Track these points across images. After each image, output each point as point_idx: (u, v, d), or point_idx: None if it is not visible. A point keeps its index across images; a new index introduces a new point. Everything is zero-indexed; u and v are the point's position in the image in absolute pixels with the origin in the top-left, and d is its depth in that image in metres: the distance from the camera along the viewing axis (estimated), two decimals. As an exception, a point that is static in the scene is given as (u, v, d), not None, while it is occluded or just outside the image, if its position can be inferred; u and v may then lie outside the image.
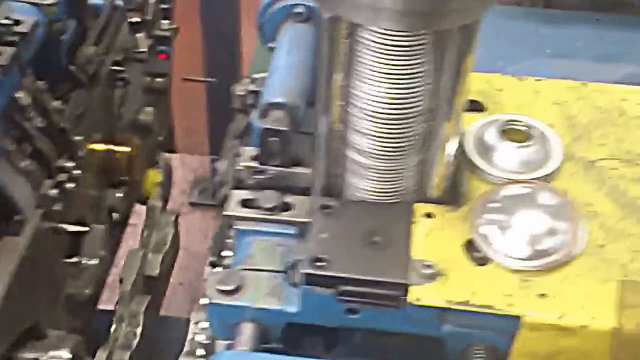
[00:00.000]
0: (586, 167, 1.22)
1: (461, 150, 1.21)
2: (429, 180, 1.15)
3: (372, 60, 1.02)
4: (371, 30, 0.99)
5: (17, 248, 1.56)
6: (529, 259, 1.09)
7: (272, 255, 1.17)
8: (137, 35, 1.81)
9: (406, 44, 1.00)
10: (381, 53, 1.01)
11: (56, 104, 1.66)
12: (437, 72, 1.03)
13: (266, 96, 1.24)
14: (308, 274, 1.07)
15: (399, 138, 1.09)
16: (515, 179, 1.18)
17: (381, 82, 1.03)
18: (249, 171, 1.22)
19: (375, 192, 1.15)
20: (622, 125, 1.28)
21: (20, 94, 1.58)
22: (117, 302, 1.72)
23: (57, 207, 1.65)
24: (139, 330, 1.73)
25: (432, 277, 1.07)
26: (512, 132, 1.23)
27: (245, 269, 1.15)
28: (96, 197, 1.81)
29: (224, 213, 1.20)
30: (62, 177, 1.66)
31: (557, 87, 1.35)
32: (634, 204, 1.17)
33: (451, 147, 1.13)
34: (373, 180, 1.14)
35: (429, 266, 1.08)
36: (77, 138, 1.67)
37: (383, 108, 1.06)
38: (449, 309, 1.05)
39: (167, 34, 1.96)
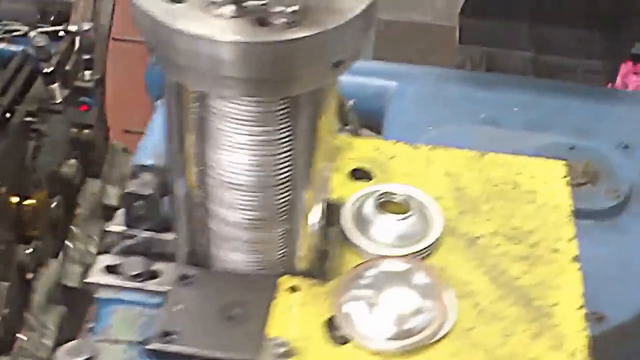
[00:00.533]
0: (468, 243, 1.17)
1: (336, 220, 1.16)
2: (295, 251, 1.10)
3: (223, 128, 0.97)
4: (219, 98, 0.95)
5: None
6: (392, 339, 1.03)
7: (132, 326, 1.11)
8: (52, 86, 1.77)
9: (255, 111, 0.95)
10: (231, 120, 0.96)
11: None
12: (290, 140, 0.98)
13: (136, 158, 1.19)
14: (152, 350, 1.01)
15: (257, 209, 1.03)
16: (389, 253, 1.13)
17: (233, 150, 0.99)
18: (117, 236, 1.17)
19: (238, 263, 1.09)
20: (512, 200, 1.23)
21: None
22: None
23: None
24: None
25: (285, 356, 1.01)
26: (391, 204, 1.18)
27: (101, 340, 1.09)
28: (3, 251, 1.75)
29: (85, 280, 1.15)
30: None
31: (451, 156, 1.31)
32: (512, 284, 1.11)
33: (314, 217, 1.08)
34: (235, 250, 1.09)
35: (282, 344, 1.02)
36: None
37: (238, 177, 1.01)
38: (300, 391, 0.99)
39: (89, 85, 1.93)
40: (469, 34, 2.31)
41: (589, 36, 2.22)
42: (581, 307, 1.09)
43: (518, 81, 2.14)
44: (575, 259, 1.14)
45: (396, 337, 1.03)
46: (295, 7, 0.84)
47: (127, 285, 1.13)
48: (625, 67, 3.66)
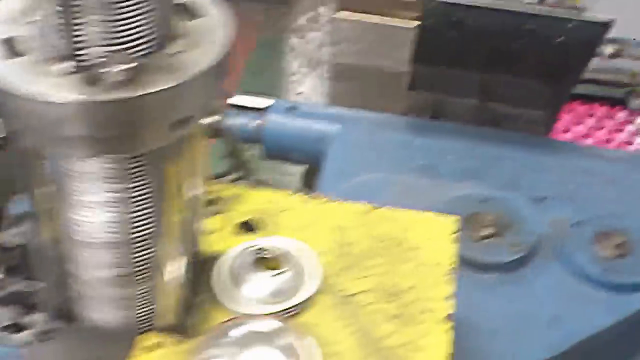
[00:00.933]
0: (342, 301, 1.15)
1: (208, 275, 1.15)
2: (159, 307, 1.09)
3: (72, 187, 0.97)
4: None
5: None
6: (248, 400, 1.02)
7: (-2, 377, 1.11)
8: None
9: (103, 169, 0.95)
10: (80, 179, 0.96)
11: None
12: (143, 196, 0.98)
13: (11, 207, 1.19)
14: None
15: (114, 266, 1.03)
16: (260, 310, 1.12)
17: (85, 208, 0.98)
18: (-9, 285, 1.17)
19: (101, 318, 1.09)
20: (394, 256, 1.22)
21: None
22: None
23: None
24: None
25: (135, 415, 1.00)
26: (268, 259, 1.17)
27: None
28: None
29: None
30: None
31: (343, 210, 1.30)
32: (378, 344, 1.10)
33: (178, 272, 1.08)
34: (98, 306, 1.08)
35: (133, 403, 1.01)
36: None
37: (91, 235, 1.00)
38: None
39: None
40: (418, 80, 2.31)
41: (534, 86, 2.21)
42: (446, 369, 1.08)
43: (457, 129, 2.13)
44: (448, 318, 1.13)
45: (252, 397, 1.02)
46: (131, 65, 0.84)
47: (-6, 337, 1.12)
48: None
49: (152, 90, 0.86)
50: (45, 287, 1.12)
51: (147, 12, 0.84)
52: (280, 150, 2.18)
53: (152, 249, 1.03)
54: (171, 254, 1.05)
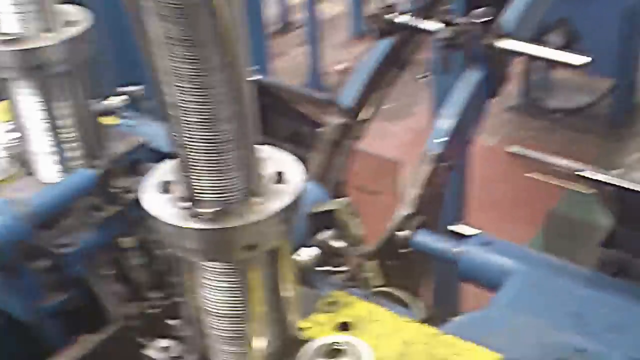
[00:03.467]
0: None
1: (295, 354, 1.64)
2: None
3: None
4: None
5: None
6: None
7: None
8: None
9: (217, 270, 1.50)
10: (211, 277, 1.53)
11: None
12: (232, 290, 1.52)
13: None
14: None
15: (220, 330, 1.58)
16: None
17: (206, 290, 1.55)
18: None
19: (217, 363, 1.64)
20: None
21: None
22: None
23: None
24: None
25: None
26: (340, 352, 1.62)
27: None
28: None
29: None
30: None
31: (416, 329, 1.71)
32: None
33: (261, 347, 1.59)
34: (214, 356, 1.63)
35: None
36: None
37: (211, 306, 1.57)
38: None
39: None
40: (614, 239, 2.58)
41: None
42: None
43: (631, 288, 2.37)
44: None
45: None
46: (216, 209, 1.39)
47: None
48: None
49: (227, 226, 1.39)
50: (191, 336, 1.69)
51: (231, 178, 1.39)
52: (469, 276, 2.60)
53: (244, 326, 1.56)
54: (259, 332, 1.57)
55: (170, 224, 1.41)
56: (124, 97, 2.48)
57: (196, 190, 1.41)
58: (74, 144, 2.36)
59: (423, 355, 1.66)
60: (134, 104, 2.51)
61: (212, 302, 1.55)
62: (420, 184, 2.76)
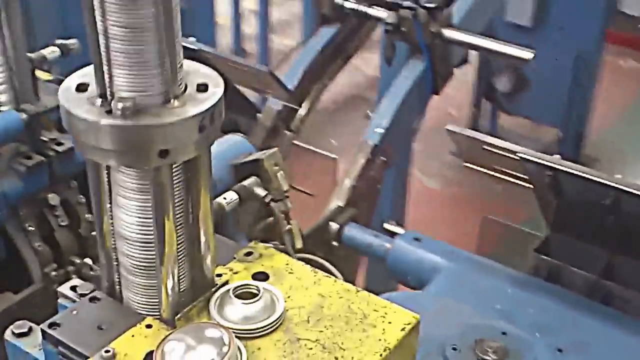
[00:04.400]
0: (291, 340, 1.48)
1: (211, 296, 1.54)
2: (162, 303, 1.49)
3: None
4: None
5: None
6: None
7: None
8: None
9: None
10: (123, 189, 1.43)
11: None
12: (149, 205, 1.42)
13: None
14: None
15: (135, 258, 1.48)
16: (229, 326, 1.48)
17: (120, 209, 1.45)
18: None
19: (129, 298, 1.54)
20: (353, 325, 1.51)
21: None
22: None
23: None
24: None
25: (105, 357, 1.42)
26: (251, 294, 1.53)
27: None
28: None
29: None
30: None
31: (338, 286, 1.62)
32: (298, 378, 1.41)
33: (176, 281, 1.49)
34: (125, 288, 1.53)
35: (109, 351, 1.42)
36: None
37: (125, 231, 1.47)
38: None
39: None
40: (548, 246, 2.53)
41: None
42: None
43: (557, 290, 2.33)
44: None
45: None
46: (128, 104, 1.30)
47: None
48: None
49: (141, 123, 1.31)
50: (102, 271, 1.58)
51: (147, 75, 1.31)
52: (398, 272, 2.53)
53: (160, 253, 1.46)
54: (172, 264, 1.47)
55: (84, 119, 1.33)
56: (56, 48, 2.41)
57: (113, 86, 1.33)
58: (4, 86, 2.29)
59: (341, 308, 1.57)
60: (66, 58, 2.43)
61: (125, 223, 1.45)
62: (355, 175, 2.70)
